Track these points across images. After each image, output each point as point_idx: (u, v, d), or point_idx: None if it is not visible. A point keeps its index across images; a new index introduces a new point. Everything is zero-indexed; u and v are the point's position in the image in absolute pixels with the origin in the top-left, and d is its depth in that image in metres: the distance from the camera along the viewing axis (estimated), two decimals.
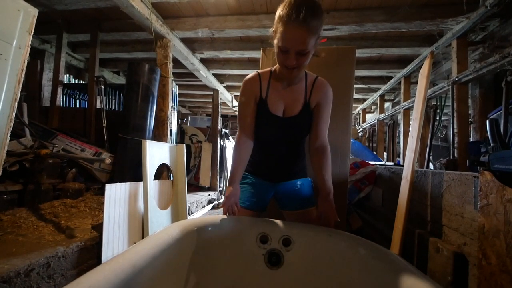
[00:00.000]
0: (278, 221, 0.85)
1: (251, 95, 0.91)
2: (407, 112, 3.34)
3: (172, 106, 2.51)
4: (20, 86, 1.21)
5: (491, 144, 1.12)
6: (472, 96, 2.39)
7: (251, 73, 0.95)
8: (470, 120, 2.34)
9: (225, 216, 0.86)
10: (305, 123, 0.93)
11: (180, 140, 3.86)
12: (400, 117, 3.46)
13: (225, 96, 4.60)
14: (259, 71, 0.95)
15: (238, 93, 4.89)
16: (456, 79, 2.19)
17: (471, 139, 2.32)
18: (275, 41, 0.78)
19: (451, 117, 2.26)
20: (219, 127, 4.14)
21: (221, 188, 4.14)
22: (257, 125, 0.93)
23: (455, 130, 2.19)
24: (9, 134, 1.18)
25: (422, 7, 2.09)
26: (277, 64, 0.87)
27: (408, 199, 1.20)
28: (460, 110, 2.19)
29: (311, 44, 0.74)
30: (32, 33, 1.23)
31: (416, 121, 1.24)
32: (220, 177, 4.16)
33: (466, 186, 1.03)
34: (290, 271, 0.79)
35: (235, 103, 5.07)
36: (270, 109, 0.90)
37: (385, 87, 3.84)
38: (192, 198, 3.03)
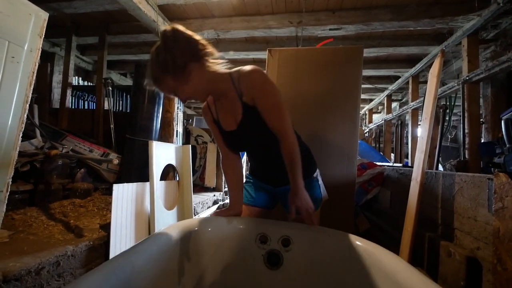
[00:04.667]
0: (277, 222, 0.86)
1: (209, 120, 0.93)
2: (415, 112, 3.28)
3: (178, 107, 2.52)
4: (31, 88, 1.24)
5: (507, 145, 1.09)
6: (484, 95, 2.32)
7: None
8: (481, 120, 2.28)
9: (225, 217, 0.86)
10: (257, 122, 0.81)
11: (186, 141, 3.88)
12: (408, 117, 3.39)
13: None
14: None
15: None
16: (467, 78, 2.13)
17: (482, 140, 2.25)
18: None
19: (461, 117, 2.21)
20: None
21: (226, 189, 4.15)
22: (227, 145, 0.93)
23: (466, 131, 2.14)
24: (20, 135, 1.21)
25: (431, 5, 2.04)
26: None
27: (418, 201, 1.17)
28: (471, 110, 2.13)
29: (165, 85, 0.75)
30: (43, 36, 1.26)
31: (426, 122, 1.21)
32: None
33: (480, 189, 1.00)
34: (290, 271, 0.79)
35: None
36: (224, 128, 0.88)
37: (392, 86, 3.77)
38: (197, 199, 3.04)
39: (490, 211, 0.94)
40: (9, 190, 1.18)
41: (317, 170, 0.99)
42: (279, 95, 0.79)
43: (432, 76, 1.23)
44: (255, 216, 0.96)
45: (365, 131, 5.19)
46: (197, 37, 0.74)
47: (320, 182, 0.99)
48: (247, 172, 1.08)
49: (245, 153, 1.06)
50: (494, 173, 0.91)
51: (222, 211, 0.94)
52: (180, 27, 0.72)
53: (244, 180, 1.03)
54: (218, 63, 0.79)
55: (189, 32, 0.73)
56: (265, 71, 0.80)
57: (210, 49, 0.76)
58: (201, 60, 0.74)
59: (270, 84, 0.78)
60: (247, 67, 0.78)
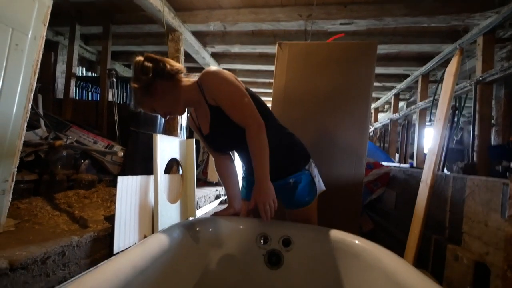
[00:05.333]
0: (278, 222, 0.86)
1: (195, 129, 0.99)
2: (423, 112, 3.21)
3: None
4: (36, 77, 1.22)
5: None
6: (497, 97, 2.25)
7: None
8: (492, 122, 2.22)
9: (225, 217, 0.88)
10: (224, 121, 0.83)
11: (189, 135, 3.87)
12: (416, 117, 3.33)
13: None
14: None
15: None
16: (481, 78, 2.07)
17: (492, 142, 2.20)
18: None
19: (471, 119, 2.15)
20: None
21: None
22: (214, 149, 0.99)
23: (476, 133, 2.09)
24: (25, 124, 1.20)
25: (448, 0, 1.97)
26: None
27: (427, 204, 1.15)
28: (483, 112, 2.08)
29: (145, 105, 0.83)
30: (47, 24, 1.23)
31: (440, 122, 1.17)
32: None
33: (493, 193, 0.97)
34: (290, 271, 0.79)
35: None
36: (203, 133, 0.94)
37: (401, 85, 3.70)
38: (200, 193, 3.05)
39: (503, 216, 0.91)
40: (14, 179, 1.18)
41: (311, 162, 0.97)
42: (235, 87, 0.81)
43: (449, 75, 1.19)
44: (252, 210, 0.95)
45: (370, 130, 5.13)
46: (166, 59, 0.82)
47: (315, 173, 0.97)
48: (243, 169, 1.10)
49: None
50: (508, 177, 0.88)
51: (221, 211, 0.96)
52: (150, 55, 0.81)
53: (242, 176, 1.07)
54: (189, 76, 0.87)
55: (158, 57, 0.81)
56: (220, 69, 0.83)
57: (178, 66, 0.83)
58: (170, 77, 0.81)
59: (224, 79, 0.81)
60: (205, 70, 0.83)
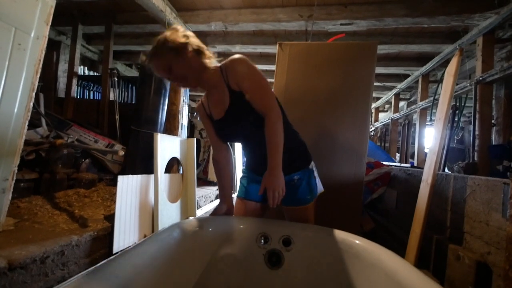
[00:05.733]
0: (278, 221, 0.86)
1: (203, 116, 1.01)
2: (424, 112, 3.21)
3: (183, 100, 2.50)
4: (38, 76, 1.22)
5: None
6: (497, 97, 2.25)
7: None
8: (492, 122, 2.22)
9: (225, 217, 0.88)
10: (243, 107, 0.86)
11: (190, 134, 3.87)
12: (416, 117, 3.33)
13: None
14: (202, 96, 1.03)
15: None
16: (480, 78, 2.07)
17: (493, 142, 2.20)
18: None
19: (472, 119, 2.15)
20: None
21: None
22: (220, 136, 0.99)
23: (476, 133, 2.09)
24: (26, 123, 1.20)
25: (448, 1, 1.97)
26: None
27: (428, 203, 1.15)
28: (483, 112, 2.08)
29: (167, 59, 0.82)
30: (50, 23, 1.24)
31: (440, 122, 1.17)
32: None
33: (494, 193, 0.97)
34: (290, 271, 0.79)
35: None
36: (214, 117, 0.95)
37: (401, 85, 3.70)
38: (200, 192, 3.05)
39: (504, 216, 0.91)
40: (15, 178, 1.18)
41: (312, 163, 0.99)
42: (261, 76, 0.87)
43: (449, 75, 1.19)
44: (249, 209, 0.98)
45: (371, 130, 5.13)
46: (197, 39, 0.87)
47: (316, 174, 0.98)
48: (243, 168, 1.10)
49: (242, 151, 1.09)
50: (509, 177, 0.88)
51: (216, 209, 0.97)
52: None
53: (241, 175, 1.07)
54: (212, 59, 0.90)
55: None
56: (247, 58, 0.87)
57: (206, 47, 0.88)
58: (199, 52, 0.85)
59: (252, 67, 0.86)
60: (230, 58, 0.87)
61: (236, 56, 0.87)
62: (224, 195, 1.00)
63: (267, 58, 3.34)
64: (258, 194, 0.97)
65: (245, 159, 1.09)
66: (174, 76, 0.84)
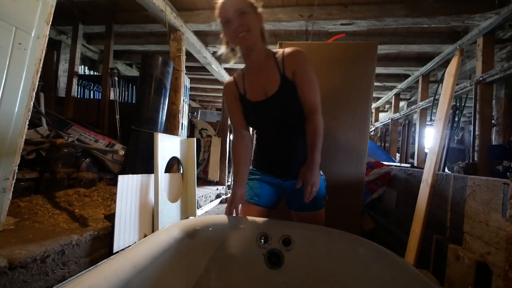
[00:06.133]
0: (278, 221, 0.86)
1: (232, 97, 0.96)
2: (424, 112, 3.22)
3: (183, 99, 2.50)
4: (38, 76, 1.22)
5: None
6: (497, 97, 2.26)
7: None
8: (493, 122, 2.22)
9: (225, 216, 0.87)
10: (289, 96, 0.87)
11: (190, 134, 3.87)
12: (416, 117, 3.33)
13: None
14: (234, 74, 1.00)
15: None
16: (481, 78, 2.07)
17: (493, 142, 2.20)
18: (221, 31, 0.89)
19: (472, 119, 2.15)
20: (229, 122, 4.13)
21: (229, 183, 4.16)
22: (249, 120, 0.95)
23: (477, 133, 2.09)
24: (27, 123, 1.20)
25: (448, 1, 1.97)
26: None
27: (428, 203, 1.15)
28: (483, 112, 2.08)
29: (245, 4, 0.82)
30: (50, 23, 1.24)
31: (440, 122, 1.18)
32: (229, 172, 4.16)
33: (493, 193, 0.97)
34: (290, 271, 0.79)
35: None
36: (252, 99, 0.92)
37: (401, 85, 3.70)
38: (200, 192, 3.05)
39: (504, 216, 0.91)
40: (15, 177, 1.18)
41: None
42: (315, 76, 0.90)
43: (449, 75, 1.19)
44: (258, 215, 0.94)
45: (371, 130, 5.13)
46: None
47: (324, 178, 0.98)
48: (252, 167, 1.04)
49: (256, 144, 1.02)
50: (509, 177, 0.88)
51: (232, 204, 0.91)
52: None
53: (249, 176, 1.00)
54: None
55: None
56: None
57: None
58: (263, 28, 0.89)
59: (310, 64, 0.89)
60: (291, 48, 0.90)
61: (297, 48, 0.89)
62: (240, 180, 0.94)
63: None
64: (269, 199, 0.96)
65: (259, 155, 1.00)
66: (241, 21, 0.81)
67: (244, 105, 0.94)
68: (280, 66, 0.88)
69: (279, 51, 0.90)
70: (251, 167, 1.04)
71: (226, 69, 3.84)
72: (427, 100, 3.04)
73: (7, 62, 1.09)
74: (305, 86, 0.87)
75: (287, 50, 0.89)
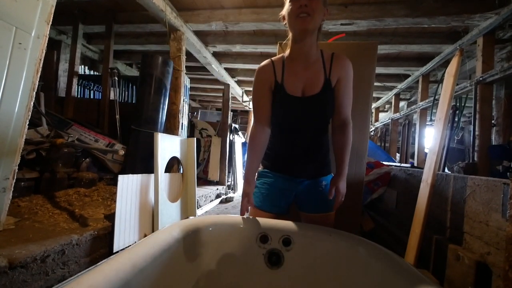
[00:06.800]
0: (278, 221, 0.86)
1: (265, 82, 0.89)
2: (424, 112, 3.22)
3: (183, 99, 2.50)
4: (38, 75, 1.22)
5: None
6: (497, 97, 2.26)
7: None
8: (492, 122, 2.22)
9: (225, 216, 0.88)
10: (328, 101, 0.86)
11: (190, 133, 3.87)
12: (416, 117, 3.33)
13: (236, 91, 4.57)
14: (272, 58, 0.93)
15: (249, 88, 4.84)
16: (481, 78, 2.07)
17: (493, 142, 2.20)
18: (285, 7, 0.85)
19: (472, 119, 2.15)
20: (229, 122, 4.13)
21: (229, 183, 4.15)
22: (276, 113, 0.89)
23: (477, 133, 2.09)
24: (27, 122, 1.20)
25: (448, 1, 1.97)
26: (289, 49, 0.89)
27: (428, 203, 1.15)
28: (483, 112, 2.08)
29: None
30: (50, 23, 1.24)
31: (440, 122, 1.18)
32: (229, 172, 4.16)
33: (493, 193, 0.97)
34: (290, 271, 0.79)
35: (246, 98, 5.04)
36: (288, 91, 0.86)
37: (401, 85, 3.70)
38: (200, 192, 3.05)
39: (504, 216, 0.91)
40: (15, 177, 1.18)
41: None
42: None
43: (449, 75, 1.19)
44: None
45: (371, 130, 5.13)
46: None
47: None
48: (262, 168, 0.98)
49: (270, 143, 0.95)
50: (509, 177, 0.88)
51: (248, 205, 0.89)
52: None
53: (259, 179, 0.97)
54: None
55: None
56: None
57: None
58: (321, 26, 0.87)
59: (353, 75, 0.90)
60: (340, 54, 0.89)
61: (345, 56, 0.89)
62: (251, 175, 0.91)
63: (268, 57, 3.31)
64: (279, 205, 0.94)
65: (272, 152, 0.95)
66: (309, 2, 0.77)
67: (277, 96, 0.87)
68: (326, 69, 0.86)
69: (327, 53, 0.88)
70: (261, 168, 0.98)
71: (226, 69, 3.84)
72: (427, 100, 3.04)
73: (7, 62, 1.09)
74: (345, 97, 0.87)
75: (337, 54, 0.88)
